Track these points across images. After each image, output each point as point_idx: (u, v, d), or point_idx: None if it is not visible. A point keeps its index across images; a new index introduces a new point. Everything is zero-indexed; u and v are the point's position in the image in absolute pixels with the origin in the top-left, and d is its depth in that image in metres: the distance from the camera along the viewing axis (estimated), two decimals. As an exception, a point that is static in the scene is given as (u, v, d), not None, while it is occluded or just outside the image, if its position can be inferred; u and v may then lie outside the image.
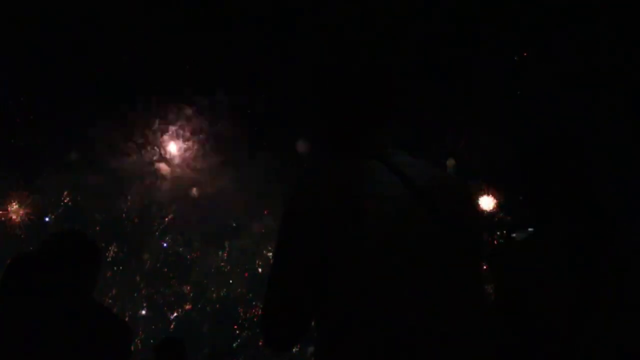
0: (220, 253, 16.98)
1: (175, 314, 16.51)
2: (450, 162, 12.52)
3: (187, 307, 16.65)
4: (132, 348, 2.46)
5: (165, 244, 16.65)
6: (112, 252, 15.71)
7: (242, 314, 16.71)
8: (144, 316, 16.21)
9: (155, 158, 16.04)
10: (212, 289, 16.82)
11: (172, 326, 16.31)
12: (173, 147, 16.11)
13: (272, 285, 1.48)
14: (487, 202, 14.66)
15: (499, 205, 15.57)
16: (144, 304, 16.38)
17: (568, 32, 10.17)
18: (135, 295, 16.32)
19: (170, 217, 16.54)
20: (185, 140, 16.15)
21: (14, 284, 2.43)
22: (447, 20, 10.85)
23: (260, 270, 16.82)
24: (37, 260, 2.47)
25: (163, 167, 16.25)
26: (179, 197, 16.43)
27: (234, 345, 16.53)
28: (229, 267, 16.98)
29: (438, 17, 10.88)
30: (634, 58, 9.43)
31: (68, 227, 2.59)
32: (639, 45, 9.37)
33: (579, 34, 9.93)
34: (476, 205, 1.79)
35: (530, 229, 2.37)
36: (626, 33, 9.34)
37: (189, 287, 16.81)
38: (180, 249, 16.82)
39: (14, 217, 13.95)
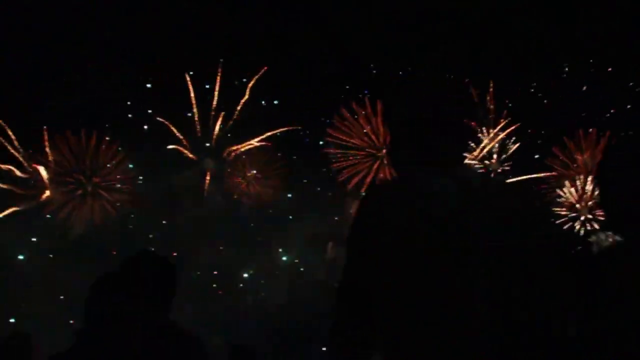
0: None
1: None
2: None
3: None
4: None
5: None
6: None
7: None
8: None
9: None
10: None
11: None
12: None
13: (340, 296, 1.63)
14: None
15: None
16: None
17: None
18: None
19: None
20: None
21: (97, 307, 2.48)
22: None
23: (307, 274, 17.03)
24: (117, 283, 2.49)
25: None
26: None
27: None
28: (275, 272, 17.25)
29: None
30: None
31: (145, 250, 2.61)
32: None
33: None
34: (532, 211, 1.84)
35: (609, 233, 2.26)
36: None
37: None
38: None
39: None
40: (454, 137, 1.77)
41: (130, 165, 16.30)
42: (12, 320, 14.26)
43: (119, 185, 16.15)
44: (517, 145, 16.84)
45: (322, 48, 14.59)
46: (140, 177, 16.56)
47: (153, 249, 2.73)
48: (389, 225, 1.53)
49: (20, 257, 15.13)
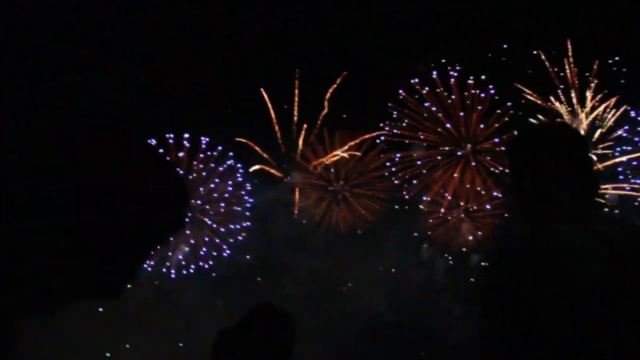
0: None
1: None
2: None
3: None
4: None
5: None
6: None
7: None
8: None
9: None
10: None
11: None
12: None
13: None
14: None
15: None
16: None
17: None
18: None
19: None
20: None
21: None
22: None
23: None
24: (240, 339, 2.52)
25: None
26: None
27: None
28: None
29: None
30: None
31: (266, 305, 2.63)
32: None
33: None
34: None
35: None
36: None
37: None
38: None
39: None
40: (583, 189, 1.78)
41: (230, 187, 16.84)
42: (180, 345, 15.47)
43: (212, 212, 16.74)
44: (614, 117, 13.97)
45: (322, 48, 14.46)
46: (234, 199, 17.10)
47: (276, 306, 2.67)
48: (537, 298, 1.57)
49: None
